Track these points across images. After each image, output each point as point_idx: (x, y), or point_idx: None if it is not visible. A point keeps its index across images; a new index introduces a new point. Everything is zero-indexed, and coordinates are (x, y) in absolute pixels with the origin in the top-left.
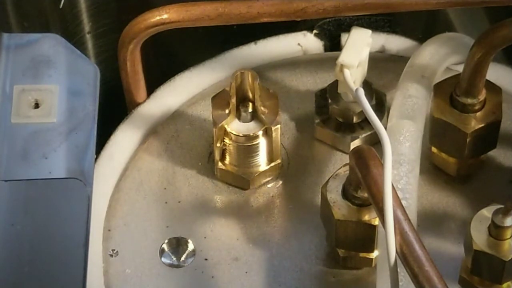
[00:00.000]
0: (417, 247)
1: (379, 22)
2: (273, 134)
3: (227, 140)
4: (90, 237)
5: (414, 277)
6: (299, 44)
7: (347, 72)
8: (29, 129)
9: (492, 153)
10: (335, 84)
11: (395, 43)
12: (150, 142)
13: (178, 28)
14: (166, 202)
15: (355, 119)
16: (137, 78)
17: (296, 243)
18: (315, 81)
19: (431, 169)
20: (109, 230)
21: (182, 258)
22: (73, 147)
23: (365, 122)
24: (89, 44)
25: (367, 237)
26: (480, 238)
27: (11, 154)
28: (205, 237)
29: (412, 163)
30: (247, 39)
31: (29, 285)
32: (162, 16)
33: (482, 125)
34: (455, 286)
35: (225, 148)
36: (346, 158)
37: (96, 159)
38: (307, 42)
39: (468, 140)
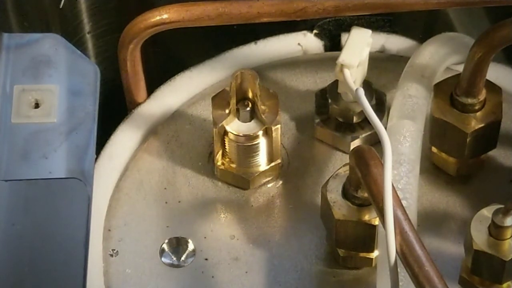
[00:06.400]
0: (417, 247)
1: (379, 22)
2: (273, 134)
3: (227, 140)
4: (90, 237)
5: (414, 277)
6: (299, 44)
7: (347, 72)
8: (29, 129)
9: (492, 153)
10: (335, 84)
11: (395, 43)
12: (150, 142)
13: (178, 28)
14: (166, 202)
15: (355, 119)
16: (137, 78)
17: (296, 243)
18: (315, 81)
19: (431, 169)
20: (109, 230)
21: (182, 258)
22: (73, 147)
23: (365, 122)
24: (89, 44)
25: (367, 237)
26: (480, 238)
27: (11, 154)
28: (205, 237)
29: (412, 163)
30: (247, 39)
31: (29, 285)
32: (162, 16)
33: (482, 125)
34: (455, 286)
35: (225, 148)
36: (346, 158)
37: (96, 159)
38: (307, 42)
39: (468, 140)
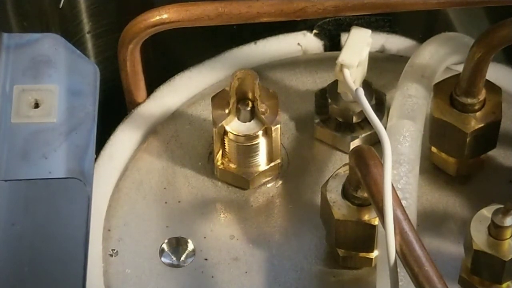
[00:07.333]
0: (417, 247)
1: (379, 22)
2: (273, 134)
3: (227, 140)
4: (90, 237)
5: (414, 277)
6: (299, 44)
7: (347, 72)
8: (29, 129)
9: (492, 153)
10: (335, 84)
11: (395, 43)
12: (150, 142)
13: (178, 28)
14: (166, 202)
15: (355, 119)
16: (137, 78)
17: (296, 243)
18: (315, 81)
19: (431, 169)
20: (109, 230)
21: (182, 258)
22: (73, 147)
23: (365, 122)
24: (89, 44)
25: (367, 237)
26: (480, 238)
27: (11, 154)
28: (205, 237)
29: (412, 163)
30: (247, 39)
31: (29, 285)
32: (162, 16)
33: (482, 125)
34: (455, 286)
35: (225, 148)
36: (346, 158)
37: (96, 159)
38: (307, 42)
39: (468, 140)
